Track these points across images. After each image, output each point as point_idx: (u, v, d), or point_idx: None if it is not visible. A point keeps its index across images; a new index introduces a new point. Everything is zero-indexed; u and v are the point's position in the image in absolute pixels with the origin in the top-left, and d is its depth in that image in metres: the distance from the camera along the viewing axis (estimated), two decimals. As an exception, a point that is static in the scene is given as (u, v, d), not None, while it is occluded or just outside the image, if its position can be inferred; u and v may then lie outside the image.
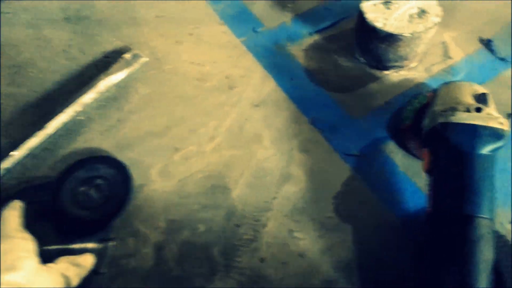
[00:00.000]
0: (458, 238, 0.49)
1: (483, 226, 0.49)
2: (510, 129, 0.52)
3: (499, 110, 0.66)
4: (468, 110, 0.52)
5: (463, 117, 0.51)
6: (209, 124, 0.68)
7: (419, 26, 0.64)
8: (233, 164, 0.64)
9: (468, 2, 0.80)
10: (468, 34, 0.75)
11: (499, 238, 0.57)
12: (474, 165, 0.50)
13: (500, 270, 0.53)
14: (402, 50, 0.67)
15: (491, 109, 0.53)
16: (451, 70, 0.71)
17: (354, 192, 0.62)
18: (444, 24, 0.75)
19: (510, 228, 0.58)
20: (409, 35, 0.63)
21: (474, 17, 0.77)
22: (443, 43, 0.74)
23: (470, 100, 0.54)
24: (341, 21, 0.78)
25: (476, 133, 0.51)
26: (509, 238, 0.57)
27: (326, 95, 0.70)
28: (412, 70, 0.71)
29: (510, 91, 0.69)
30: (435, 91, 0.58)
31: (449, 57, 0.72)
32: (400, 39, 0.65)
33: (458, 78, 0.70)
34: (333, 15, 0.79)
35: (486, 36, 0.75)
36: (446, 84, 0.57)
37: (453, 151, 0.51)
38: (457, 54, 0.73)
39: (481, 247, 0.48)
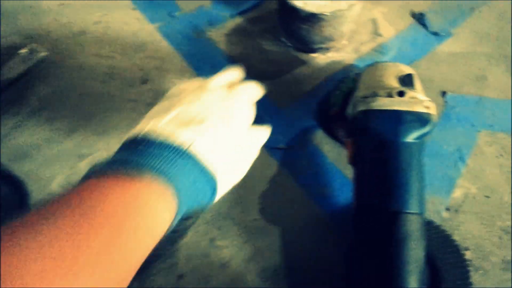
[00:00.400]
0: (384, 237, 0.44)
1: (412, 223, 0.44)
2: (437, 112, 0.48)
3: (433, 88, 0.63)
4: (390, 95, 0.47)
5: (384, 103, 0.47)
6: (121, 125, 0.61)
7: (341, 3, 0.58)
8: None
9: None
10: (400, 8, 0.71)
11: (434, 229, 0.53)
12: (399, 155, 0.46)
13: (436, 265, 0.50)
14: (326, 30, 0.61)
15: (416, 92, 0.48)
16: (381, 48, 0.66)
17: (281, 189, 0.57)
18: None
19: (447, 216, 0.55)
20: (330, 14, 0.58)
21: (404, -10, 0.73)
22: (373, 20, 0.69)
23: (394, 83, 0.49)
24: (265, 1, 0.72)
25: (399, 119, 0.46)
26: (445, 227, 0.54)
27: (249, 83, 0.64)
28: (340, 51, 0.66)
29: (445, 66, 0.65)
30: (358, 75, 0.53)
31: (379, 35, 0.67)
32: (323, 19, 0.59)
33: (389, 56, 0.66)
34: (256, -6, 0.72)
35: (418, 9, 0.70)
36: (370, 66, 0.53)
37: (376, 140, 0.46)
38: (388, 31, 0.68)
39: (410, 245, 0.44)
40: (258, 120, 0.61)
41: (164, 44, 0.68)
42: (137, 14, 0.70)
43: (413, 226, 0.44)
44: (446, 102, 0.62)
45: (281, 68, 0.65)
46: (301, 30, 0.62)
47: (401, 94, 0.47)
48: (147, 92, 0.63)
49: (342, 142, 0.59)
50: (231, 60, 0.66)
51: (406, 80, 0.49)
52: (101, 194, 0.29)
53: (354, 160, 0.49)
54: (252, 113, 0.44)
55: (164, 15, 0.70)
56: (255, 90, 0.47)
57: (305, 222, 0.55)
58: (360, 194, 0.48)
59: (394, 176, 0.45)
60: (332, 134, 0.60)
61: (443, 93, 0.63)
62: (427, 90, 0.63)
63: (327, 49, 0.65)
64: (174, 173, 0.33)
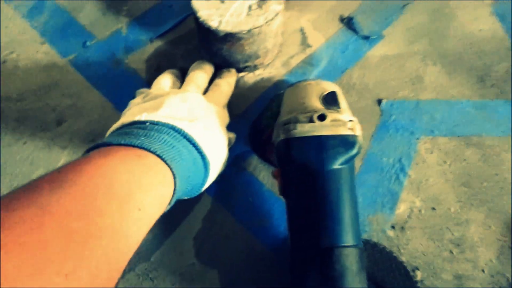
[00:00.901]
0: (319, 277, 0.41)
1: (347, 257, 0.41)
2: (361, 132, 0.45)
3: (368, 97, 0.59)
4: (311, 120, 0.43)
5: (305, 130, 0.43)
6: (35, 174, 0.55)
7: (259, 19, 0.54)
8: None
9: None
10: (328, 14, 0.67)
11: (379, 253, 0.50)
12: (327, 184, 0.42)
13: (384, 289, 0.47)
14: (248, 48, 0.57)
15: (339, 112, 0.45)
16: (311, 60, 0.63)
17: (217, 226, 0.53)
18: (300, 7, 0.66)
19: (393, 235, 0.52)
20: (247, 31, 0.53)
21: (331, -7, 0.69)
22: (301, 29, 0.65)
23: (317, 104, 0.46)
24: (185, 19, 0.67)
25: (322, 146, 0.42)
26: (392, 248, 0.51)
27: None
28: (268, 67, 0.62)
29: (379, 72, 0.62)
30: (278, 98, 0.49)
31: (308, 45, 0.64)
32: (241, 37, 0.54)
33: (320, 67, 0.62)
34: (176, 13, 0.67)
35: (347, 13, 0.67)
36: (291, 86, 0.49)
37: (301, 170, 0.43)
38: (317, 40, 0.64)
39: (347, 281, 0.40)
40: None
41: (78, 78, 0.62)
42: (47, 48, 0.64)
43: (349, 260, 0.41)
44: (382, 110, 0.59)
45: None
46: (222, 50, 0.57)
47: (321, 118, 0.43)
48: (62, 134, 0.58)
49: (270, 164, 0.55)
50: (154, 89, 0.61)
51: (329, 99, 0.46)
52: (110, 168, 0.31)
53: (284, 192, 0.46)
54: (228, 115, 0.52)
55: (76, 46, 0.65)
56: (231, 85, 0.57)
57: (245, 259, 0.51)
58: (291, 229, 0.44)
59: (323, 208, 0.42)
60: (267, 159, 0.56)
61: (379, 101, 0.59)
62: (362, 100, 0.60)
63: (254, 67, 0.61)
64: (174, 156, 0.37)
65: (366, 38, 0.64)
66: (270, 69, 0.62)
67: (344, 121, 0.43)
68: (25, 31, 0.66)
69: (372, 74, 0.62)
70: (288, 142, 0.43)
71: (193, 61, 0.60)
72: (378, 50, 0.63)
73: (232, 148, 0.56)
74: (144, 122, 0.39)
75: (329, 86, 0.47)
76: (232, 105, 0.60)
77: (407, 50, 0.63)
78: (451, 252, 0.51)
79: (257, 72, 0.61)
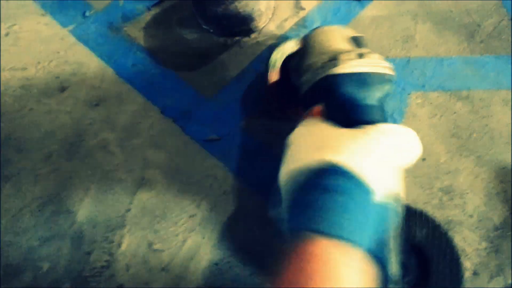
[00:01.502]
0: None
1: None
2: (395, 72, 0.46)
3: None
4: (350, 58, 0.45)
5: (349, 66, 0.44)
6: (41, 139, 0.58)
7: (252, -20, 0.56)
8: (74, 182, 0.55)
9: None
10: (320, -23, 0.68)
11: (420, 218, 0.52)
12: (366, 118, 0.44)
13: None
14: (243, 10, 0.59)
15: (372, 53, 0.46)
16: (304, 22, 0.64)
17: (218, 182, 0.55)
18: (292, -29, 0.68)
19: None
20: (241, -7, 0.55)
21: (323, -43, 0.70)
22: (294, -8, 0.67)
23: (347, 46, 0.47)
24: (182, -14, 0.68)
25: (367, 81, 0.44)
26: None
27: (174, 77, 0.62)
28: (263, 31, 0.64)
29: (370, 32, 0.63)
30: (305, 40, 0.50)
31: (301, 8, 0.65)
32: (234, 0, 0.56)
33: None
34: (172, -19, 0.69)
35: (338, -24, 0.68)
36: (314, 32, 0.49)
37: (343, 105, 0.44)
38: (310, 3, 0.66)
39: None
40: (185, 115, 0.59)
41: (79, 48, 0.64)
42: (48, 19, 0.66)
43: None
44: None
45: (204, 56, 0.63)
46: (217, 13, 0.59)
47: (361, 56, 0.45)
48: (66, 99, 0.60)
49: (283, 113, 0.56)
50: (152, 55, 0.63)
51: (359, 42, 0.48)
52: (315, 257, 0.33)
53: None
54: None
55: (76, 17, 0.66)
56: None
57: (244, 213, 0.53)
58: None
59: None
60: (276, 105, 0.56)
61: (371, 60, 0.61)
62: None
63: (249, 30, 0.63)
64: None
65: (358, -1, 0.66)
66: (265, 32, 0.63)
67: (379, 61, 0.45)
68: (26, 4, 0.68)
69: (364, 34, 0.63)
70: (333, 79, 0.44)
71: (189, 27, 0.62)
72: (369, 11, 0.65)
73: (227, 111, 0.59)
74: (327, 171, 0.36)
75: (350, 31, 0.49)
76: (227, 69, 0.62)
77: (397, 10, 0.65)
78: (441, 199, 0.53)
79: (252, 35, 0.63)
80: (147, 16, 0.66)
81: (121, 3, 0.67)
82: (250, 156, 0.56)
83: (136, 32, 0.65)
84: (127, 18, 0.66)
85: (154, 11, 0.66)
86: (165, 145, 0.57)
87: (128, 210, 0.54)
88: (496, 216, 0.52)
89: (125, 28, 0.65)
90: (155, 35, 0.64)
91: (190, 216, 0.53)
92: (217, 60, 0.62)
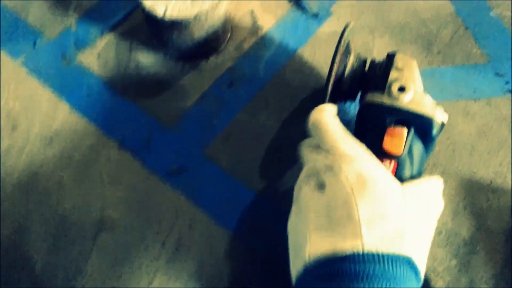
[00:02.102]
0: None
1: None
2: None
3: (321, 74, 0.60)
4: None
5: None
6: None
7: (205, 3, 0.54)
8: (27, 228, 0.52)
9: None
10: (277, -6, 0.67)
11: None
12: None
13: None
14: (198, 34, 0.57)
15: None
16: (263, 41, 0.63)
17: (182, 217, 0.53)
18: (248, -11, 0.66)
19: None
20: (193, 17, 0.54)
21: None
22: (251, 12, 0.65)
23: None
24: (135, 9, 0.66)
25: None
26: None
27: (131, 106, 0.60)
28: (221, 53, 0.62)
29: (329, 48, 0.63)
30: (390, 59, 0.47)
31: (260, 27, 0.64)
32: (189, 23, 0.55)
33: (272, 48, 0.63)
34: (125, 4, 0.66)
35: (295, -8, 0.67)
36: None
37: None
38: (268, 21, 0.65)
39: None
40: (144, 146, 0.57)
41: (30, 80, 0.61)
42: (-4, 51, 0.63)
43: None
44: (335, 86, 0.60)
45: (162, 82, 0.61)
46: (172, 38, 0.57)
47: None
48: (18, 138, 0.57)
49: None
50: (107, 83, 0.61)
51: None
52: None
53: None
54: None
55: (27, 47, 0.64)
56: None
57: (210, 246, 0.52)
58: None
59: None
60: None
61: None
62: (314, 77, 0.61)
63: (207, 53, 0.61)
64: None
65: (315, 16, 0.65)
66: (223, 54, 0.62)
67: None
68: (-30, 36, 0.64)
69: (323, 51, 0.63)
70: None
71: (146, 52, 0.60)
72: (327, 27, 0.64)
73: (189, 139, 0.57)
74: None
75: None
76: (187, 94, 0.60)
77: (355, 24, 0.64)
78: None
79: (211, 58, 0.62)
80: (102, 42, 0.64)
81: (73, 28, 0.65)
82: (215, 186, 0.55)
83: (90, 59, 0.63)
84: (81, 44, 0.64)
85: (109, 36, 0.64)
86: (124, 181, 0.55)
87: (88, 255, 0.51)
88: (465, 231, 0.52)
89: (78, 56, 0.63)
90: (110, 62, 0.62)
91: (155, 257, 0.51)
92: (176, 86, 0.61)
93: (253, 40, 0.63)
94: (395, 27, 0.64)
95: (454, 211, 0.53)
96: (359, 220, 0.31)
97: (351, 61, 0.50)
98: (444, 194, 0.51)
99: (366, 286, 0.29)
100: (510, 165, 0.55)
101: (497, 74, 0.60)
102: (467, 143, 0.56)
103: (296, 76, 0.61)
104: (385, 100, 0.43)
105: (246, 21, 0.65)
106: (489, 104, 0.58)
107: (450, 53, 0.62)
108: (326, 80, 0.47)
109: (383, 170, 0.37)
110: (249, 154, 0.56)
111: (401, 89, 0.44)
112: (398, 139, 0.41)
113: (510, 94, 0.59)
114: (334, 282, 0.30)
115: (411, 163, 0.42)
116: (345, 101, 0.53)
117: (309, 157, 0.42)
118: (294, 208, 0.41)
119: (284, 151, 0.56)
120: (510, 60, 0.61)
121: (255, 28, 0.64)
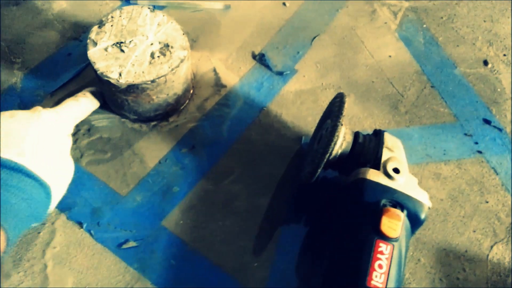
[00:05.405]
0: None
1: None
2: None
3: (288, 135, 0.58)
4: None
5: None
6: None
7: (163, 67, 0.51)
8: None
9: (231, 15, 0.69)
10: (239, 52, 0.65)
11: None
12: None
13: None
14: (156, 98, 0.53)
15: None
16: (227, 100, 0.60)
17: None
18: (210, 47, 0.64)
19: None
20: (152, 82, 0.50)
21: (240, 30, 0.67)
22: (214, 70, 0.63)
23: None
24: (86, 67, 0.62)
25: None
26: None
27: (82, 172, 0.54)
28: (182, 113, 0.59)
29: (295, 108, 0.60)
30: (379, 137, 0.48)
31: (222, 86, 0.61)
32: (146, 88, 0.51)
33: (236, 108, 0.60)
34: (75, 62, 0.62)
35: (258, 50, 0.65)
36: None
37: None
38: (231, 80, 0.62)
39: None
40: (94, 218, 0.51)
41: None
42: None
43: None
44: (303, 148, 0.57)
45: (116, 146, 0.56)
46: (128, 102, 0.53)
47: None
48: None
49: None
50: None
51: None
52: None
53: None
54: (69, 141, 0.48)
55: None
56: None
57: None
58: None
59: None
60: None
61: (300, 139, 0.58)
62: (281, 139, 0.58)
63: (167, 114, 0.58)
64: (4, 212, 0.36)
65: (280, 74, 0.63)
66: (184, 114, 0.58)
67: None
68: None
69: (289, 111, 0.60)
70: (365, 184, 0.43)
71: (99, 113, 0.56)
72: (292, 86, 0.62)
73: (146, 208, 0.52)
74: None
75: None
76: (145, 159, 0.55)
77: (320, 83, 0.63)
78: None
79: (171, 119, 0.58)
80: (49, 103, 0.59)
81: (18, 88, 0.60)
82: (174, 261, 0.50)
83: (36, 122, 0.57)
84: (26, 106, 0.58)
85: (57, 96, 0.59)
86: (72, 260, 0.49)
87: None
88: (442, 303, 0.49)
89: (23, 119, 0.57)
90: (58, 125, 0.57)
91: None
92: (132, 150, 0.56)
93: (216, 99, 0.60)
94: (361, 86, 0.63)
95: (431, 283, 0.50)
96: None
97: (342, 133, 0.48)
98: (419, 264, 0.49)
99: None
100: (484, 232, 0.53)
101: (465, 134, 0.59)
102: (439, 209, 0.54)
103: (262, 137, 0.58)
104: (381, 179, 0.43)
105: (209, 79, 0.62)
106: (459, 167, 0.57)
107: (417, 112, 0.61)
108: (320, 153, 0.45)
109: None
110: (212, 224, 0.52)
111: (396, 170, 0.43)
112: (395, 221, 0.40)
113: (479, 155, 0.58)
114: None
115: (400, 246, 0.41)
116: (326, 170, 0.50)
117: None
118: None
119: (252, 222, 0.52)
120: (477, 120, 0.60)
121: (218, 86, 0.61)
